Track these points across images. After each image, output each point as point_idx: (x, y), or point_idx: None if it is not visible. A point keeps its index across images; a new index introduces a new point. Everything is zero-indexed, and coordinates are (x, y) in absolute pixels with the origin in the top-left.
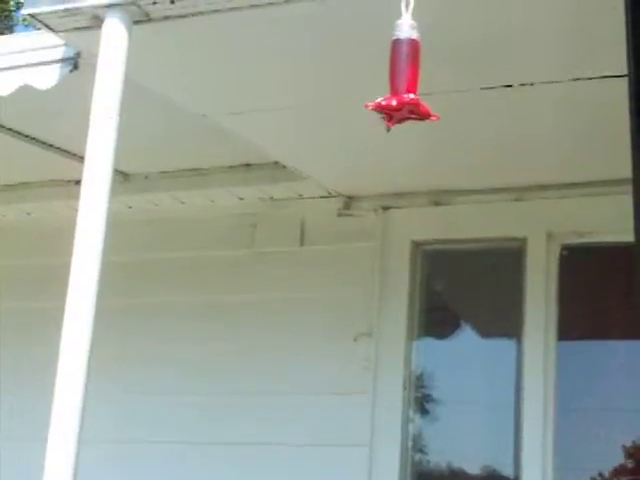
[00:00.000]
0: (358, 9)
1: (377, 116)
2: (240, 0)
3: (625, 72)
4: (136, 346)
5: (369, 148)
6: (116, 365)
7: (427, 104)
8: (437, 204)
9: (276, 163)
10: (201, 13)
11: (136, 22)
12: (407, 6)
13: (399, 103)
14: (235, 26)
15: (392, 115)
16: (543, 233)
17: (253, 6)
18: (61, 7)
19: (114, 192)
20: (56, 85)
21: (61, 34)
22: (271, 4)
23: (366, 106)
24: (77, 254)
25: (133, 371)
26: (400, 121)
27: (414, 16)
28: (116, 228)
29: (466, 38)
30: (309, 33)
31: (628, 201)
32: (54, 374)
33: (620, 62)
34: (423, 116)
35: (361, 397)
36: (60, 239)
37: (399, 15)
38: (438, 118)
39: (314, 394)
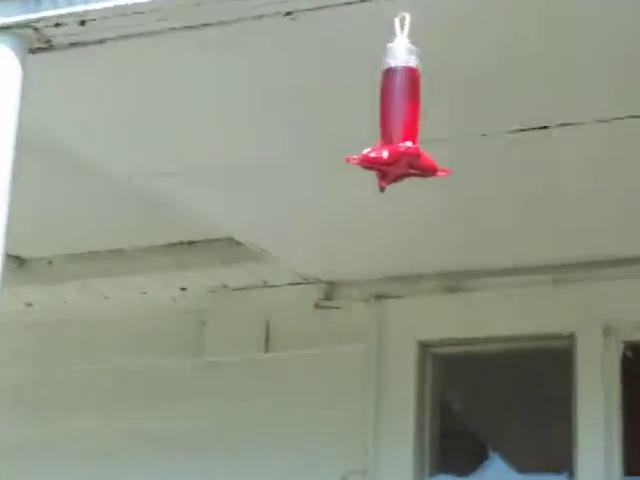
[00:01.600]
0: (337, 30)
1: (365, 173)
2: (192, 16)
3: None
4: None
5: (355, 217)
6: None
7: (431, 155)
8: (451, 290)
9: (230, 240)
10: (123, 37)
11: (33, 50)
12: (402, 24)
13: (393, 155)
14: (170, 54)
15: (386, 171)
16: (598, 327)
17: (203, 25)
18: None
19: (7, 283)
20: None
21: None
22: (214, 24)
23: (348, 160)
24: None
25: None
26: (397, 179)
27: (412, 38)
28: (10, 333)
29: (486, 64)
30: (270, 61)
31: None
32: None
33: None
34: (427, 171)
35: None
36: None
37: (391, 37)
38: (448, 173)
39: None
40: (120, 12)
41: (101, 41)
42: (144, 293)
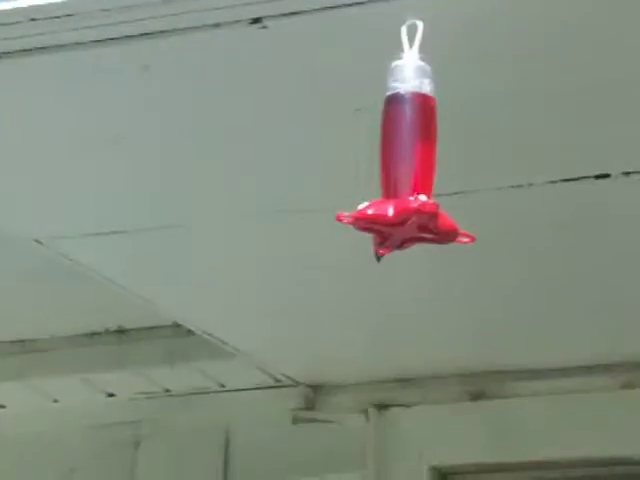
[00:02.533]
0: (320, 41)
1: (360, 236)
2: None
3: None
4: None
5: (346, 296)
6: None
7: (451, 214)
8: (475, 397)
9: (175, 327)
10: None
11: None
12: (412, 36)
13: (401, 212)
14: (93, 76)
15: (388, 234)
16: None
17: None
18: None
19: None
20: None
21: None
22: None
23: (339, 219)
24: None
25: None
26: (402, 245)
27: (426, 54)
28: None
29: (524, 88)
30: (226, 85)
31: None
32: None
33: None
34: (445, 236)
35: None
36: None
37: (396, 52)
38: (473, 239)
39: None
40: (17, 18)
41: None
42: (55, 401)
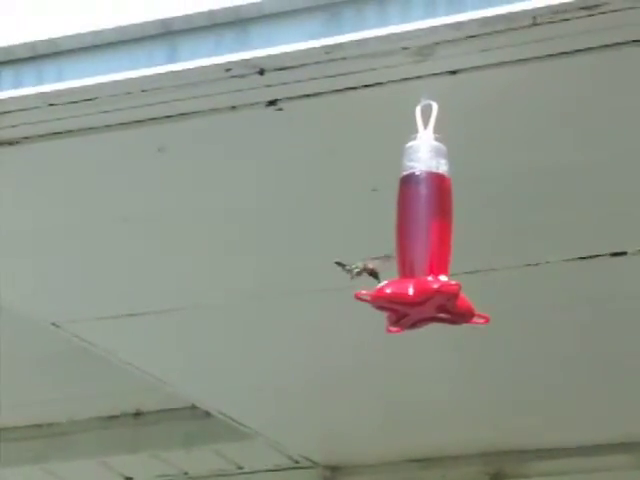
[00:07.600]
0: (336, 123)
1: (374, 315)
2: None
3: None
4: None
5: (363, 373)
6: None
7: (467, 293)
8: (496, 477)
9: (192, 409)
10: (41, 136)
11: None
12: (427, 116)
13: (422, 292)
14: (109, 159)
15: (403, 313)
16: None
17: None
18: None
19: None
20: None
21: None
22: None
23: (358, 297)
24: None
25: None
26: (416, 324)
27: (441, 134)
28: None
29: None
30: (244, 168)
31: None
32: None
33: None
34: (461, 316)
35: None
36: None
37: (411, 132)
38: (487, 320)
39: None
40: (36, 103)
41: (10, 142)
42: None
